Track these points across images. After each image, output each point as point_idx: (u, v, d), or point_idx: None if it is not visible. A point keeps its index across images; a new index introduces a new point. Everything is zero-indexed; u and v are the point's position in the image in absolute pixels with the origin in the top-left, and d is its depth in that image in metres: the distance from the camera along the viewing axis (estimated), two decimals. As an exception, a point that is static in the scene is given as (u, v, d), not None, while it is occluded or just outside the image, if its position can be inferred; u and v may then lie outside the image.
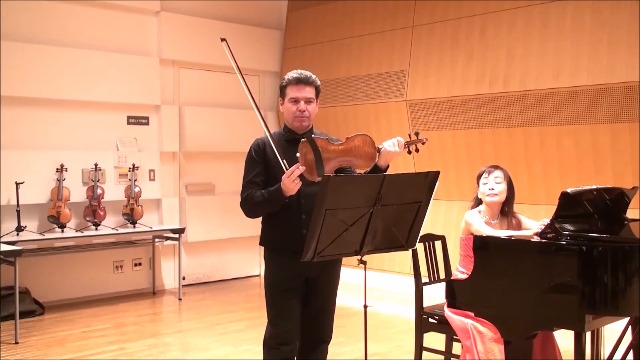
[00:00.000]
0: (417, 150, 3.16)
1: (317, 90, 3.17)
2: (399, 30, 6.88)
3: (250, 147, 3.19)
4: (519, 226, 3.58)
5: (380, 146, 3.06)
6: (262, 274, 7.70)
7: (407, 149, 3.13)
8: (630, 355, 3.52)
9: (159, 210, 7.16)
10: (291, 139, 3.15)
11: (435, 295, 4.45)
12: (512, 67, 5.88)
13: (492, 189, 3.54)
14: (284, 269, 3.11)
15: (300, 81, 3.11)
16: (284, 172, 2.93)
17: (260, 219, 3.24)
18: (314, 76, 3.16)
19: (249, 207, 3.12)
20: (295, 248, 2.91)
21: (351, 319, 5.63)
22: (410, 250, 3.33)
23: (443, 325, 3.63)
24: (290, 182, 2.90)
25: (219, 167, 7.58)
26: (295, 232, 3.05)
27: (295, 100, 3.10)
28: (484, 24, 6.15)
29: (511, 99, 5.87)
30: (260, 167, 3.12)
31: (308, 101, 3.12)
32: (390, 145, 3.05)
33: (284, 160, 2.96)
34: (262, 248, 3.25)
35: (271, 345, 3.15)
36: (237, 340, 5.17)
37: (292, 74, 3.14)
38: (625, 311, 2.95)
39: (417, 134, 3.17)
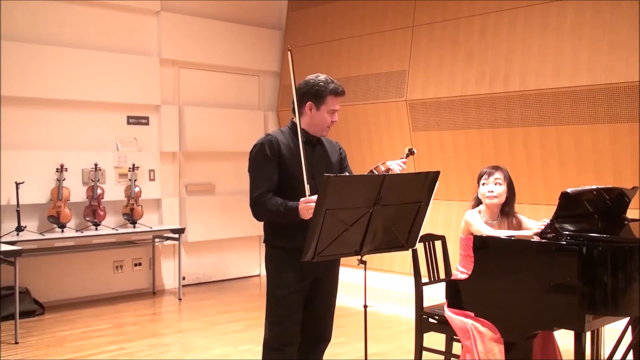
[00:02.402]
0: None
1: None
2: (399, 30, 6.88)
3: (262, 143, 3.10)
4: (519, 226, 3.58)
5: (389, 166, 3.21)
6: (262, 274, 7.70)
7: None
8: (630, 355, 3.52)
9: (159, 210, 7.16)
10: (305, 140, 3.12)
11: (435, 295, 4.44)
12: (512, 67, 5.87)
13: (492, 191, 3.53)
14: (295, 269, 3.07)
15: (340, 93, 3.16)
16: (304, 194, 2.93)
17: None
18: None
19: (261, 210, 3.07)
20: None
21: (351, 319, 5.63)
22: (410, 250, 3.33)
23: (443, 325, 3.63)
24: (305, 210, 2.91)
25: (219, 167, 7.57)
26: (305, 232, 3.02)
27: (333, 112, 3.16)
28: (484, 24, 6.15)
29: (511, 99, 5.87)
30: (275, 165, 3.07)
31: None
32: (397, 168, 3.22)
33: (308, 186, 2.93)
34: (263, 248, 3.24)
35: (274, 346, 3.11)
36: (237, 340, 5.17)
37: (330, 84, 3.13)
38: (625, 311, 2.95)
39: (410, 149, 3.39)
